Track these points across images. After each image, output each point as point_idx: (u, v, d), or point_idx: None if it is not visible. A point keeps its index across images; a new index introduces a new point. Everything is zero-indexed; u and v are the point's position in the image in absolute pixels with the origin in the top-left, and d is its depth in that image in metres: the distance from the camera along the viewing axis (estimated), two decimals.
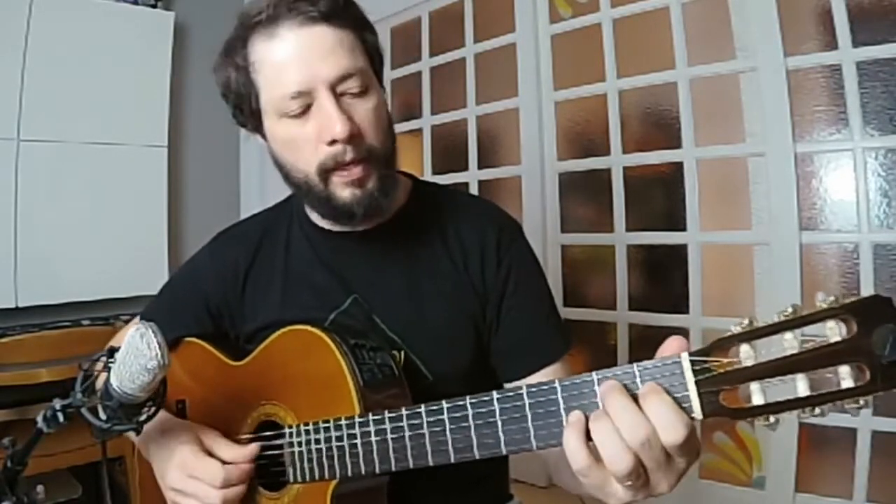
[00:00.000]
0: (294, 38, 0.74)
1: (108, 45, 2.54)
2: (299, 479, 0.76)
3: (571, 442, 0.53)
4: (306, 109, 0.75)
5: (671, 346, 0.54)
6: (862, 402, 0.46)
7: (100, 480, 2.00)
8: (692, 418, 0.51)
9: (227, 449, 0.77)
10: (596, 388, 0.55)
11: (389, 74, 2.60)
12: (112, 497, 1.85)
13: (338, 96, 0.75)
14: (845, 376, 0.46)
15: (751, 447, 1.71)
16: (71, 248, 2.45)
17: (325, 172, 0.76)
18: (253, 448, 0.76)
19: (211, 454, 0.76)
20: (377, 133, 0.78)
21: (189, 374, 0.89)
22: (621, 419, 0.51)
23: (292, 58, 0.74)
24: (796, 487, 1.59)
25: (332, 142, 0.74)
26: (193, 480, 0.74)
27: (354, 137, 0.75)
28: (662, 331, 1.80)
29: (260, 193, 2.83)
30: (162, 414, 0.77)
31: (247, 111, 0.82)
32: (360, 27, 0.79)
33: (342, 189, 0.77)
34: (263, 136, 0.83)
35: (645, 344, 1.88)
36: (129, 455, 0.96)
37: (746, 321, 0.49)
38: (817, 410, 0.47)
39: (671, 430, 0.50)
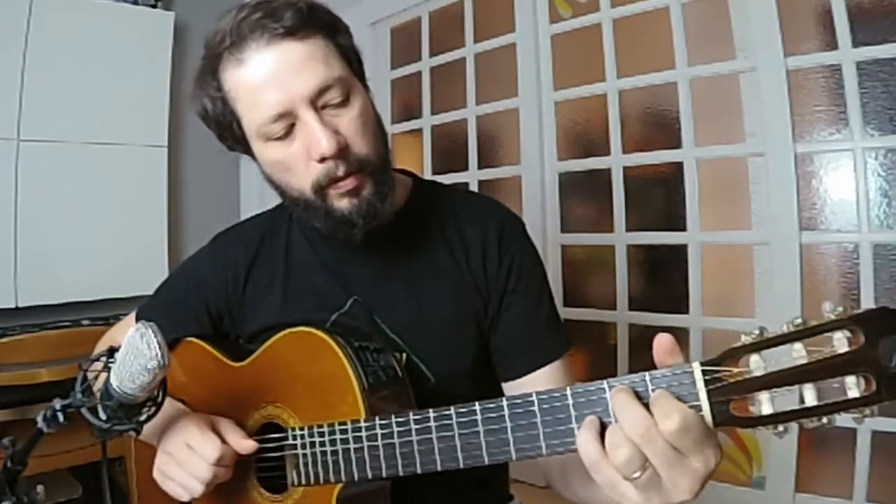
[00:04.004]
0: (264, 60, 0.71)
1: (108, 45, 2.53)
2: (303, 481, 0.75)
3: (584, 439, 0.54)
4: (290, 129, 0.74)
5: (662, 344, 0.55)
6: (868, 411, 0.47)
7: (100, 480, 2.00)
8: None
9: (231, 432, 0.76)
10: (607, 395, 0.55)
11: (389, 74, 2.60)
12: (112, 497, 1.84)
13: (319, 110, 0.73)
14: (851, 386, 0.47)
15: (751, 447, 1.71)
16: (71, 248, 2.45)
17: (321, 189, 0.75)
18: (254, 444, 0.76)
19: (217, 434, 0.76)
20: (366, 140, 0.76)
21: (189, 374, 0.89)
22: (624, 414, 0.52)
23: (266, 80, 0.72)
24: (796, 487, 1.59)
25: (322, 159, 0.73)
26: (188, 450, 0.74)
27: (343, 151, 0.73)
28: (662, 331, 1.78)
29: (260, 193, 2.82)
30: (181, 408, 0.79)
31: (230, 138, 0.81)
32: (330, 33, 0.76)
33: (339, 200, 0.76)
34: (254, 158, 0.82)
35: (645, 344, 1.86)
36: (129, 455, 0.96)
37: (757, 331, 0.50)
38: (824, 419, 0.48)
39: (668, 418, 0.50)
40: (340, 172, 0.74)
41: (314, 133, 0.72)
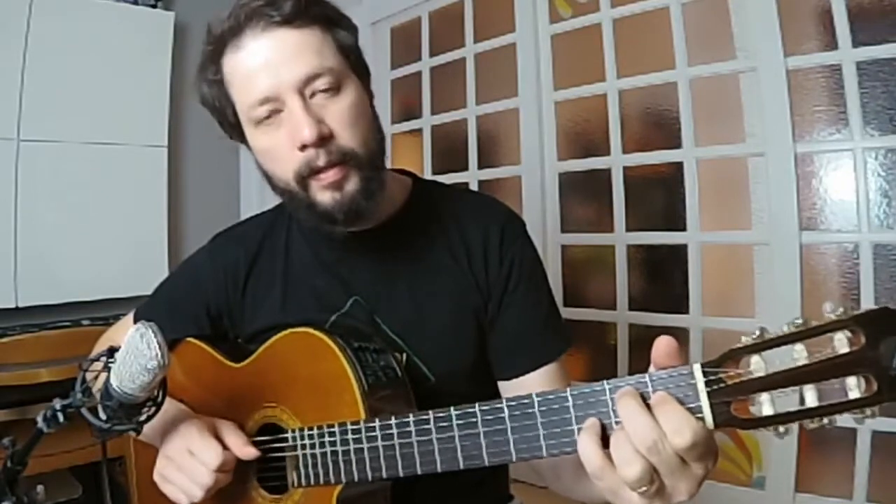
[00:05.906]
0: (258, 46, 0.73)
1: (108, 45, 2.53)
2: (303, 483, 0.75)
3: (586, 445, 0.54)
4: (277, 115, 0.74)
5: (661, 347, 0.55)
6: (869, 412, 0.46)
7: (100, 480, 2.00)
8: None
9: (233, 437, 0.76)
10: (607, 396, 0.55)
11: (389, 74, 2.60)
12: (112, 497, 1.84)
13: (307, 98, 0.73)
14: (852, 387, 0.47)
15: (751, 447, 1.71)
16: (71, 248, 2.45)
17: (303, 179, 0.75)
18: (256, 451, 0.76)
19: (218, 439, 0.75)
20: (354, 132, 0.75)
21: (188, 375, 0.89)
22: (632, 424, 0.51)
23: (258, 65, 0.73)
24: (796, 487, 1.59)
25: (303, 147, 0.72)
26: (189, 455, 0.74)
27: (325, 140, 0.73)
28: (662, 331, 1.78)
29: (260, 193, 2.82)
30: (183, 409, 0.79)
31: (226, 124, 0.81)
32: (329, 25, 0.76)
33: (321, 193, 0.75)
34: (249, 147, 0.82)
35: (645, 344, 1.85)
36: (129, 455, 0.96)
37: (757, 332, 0.50)
38: (825, 420, 0.48)
39: (679, 435, 0.50)
40: (321, 162, 0.73)
41: (297, 119, 0.72)
